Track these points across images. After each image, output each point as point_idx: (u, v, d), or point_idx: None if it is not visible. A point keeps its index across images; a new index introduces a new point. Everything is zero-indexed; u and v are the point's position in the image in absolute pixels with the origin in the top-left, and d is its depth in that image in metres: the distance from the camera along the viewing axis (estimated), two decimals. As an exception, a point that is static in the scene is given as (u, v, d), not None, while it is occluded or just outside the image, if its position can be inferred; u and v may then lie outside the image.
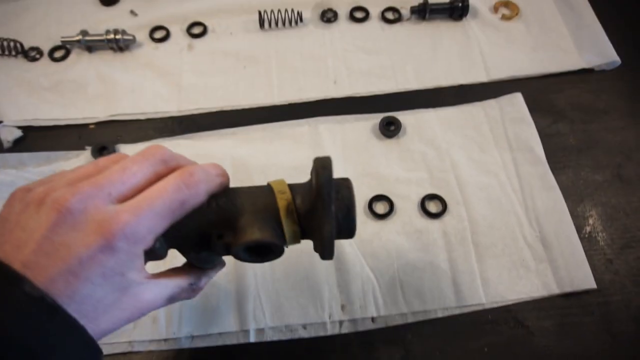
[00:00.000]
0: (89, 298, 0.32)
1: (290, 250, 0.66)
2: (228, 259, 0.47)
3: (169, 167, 0.38)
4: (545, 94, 0.79)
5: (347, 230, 0.42)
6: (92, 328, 0.32)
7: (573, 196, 0.69)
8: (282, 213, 0.40)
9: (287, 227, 0.40)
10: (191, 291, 0.42)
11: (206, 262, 0.45)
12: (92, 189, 0.34)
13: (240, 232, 0.39)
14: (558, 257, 0.65)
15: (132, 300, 0.36)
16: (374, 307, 0.62)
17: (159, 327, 0.61)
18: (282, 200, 0.40)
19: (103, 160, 0.38)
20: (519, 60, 0.82)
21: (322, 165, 0.38)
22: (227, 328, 0.61)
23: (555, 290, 0.63)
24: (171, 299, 0.40)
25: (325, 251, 0.40)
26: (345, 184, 0.41)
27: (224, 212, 0.40)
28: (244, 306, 0.62)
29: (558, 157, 0.72)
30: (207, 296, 0.63)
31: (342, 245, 0.66)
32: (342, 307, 0.63)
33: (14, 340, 0.28)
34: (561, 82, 0.80)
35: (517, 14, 0.88)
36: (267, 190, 0.41)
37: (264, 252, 0.41)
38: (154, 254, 0.38)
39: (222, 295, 0.63)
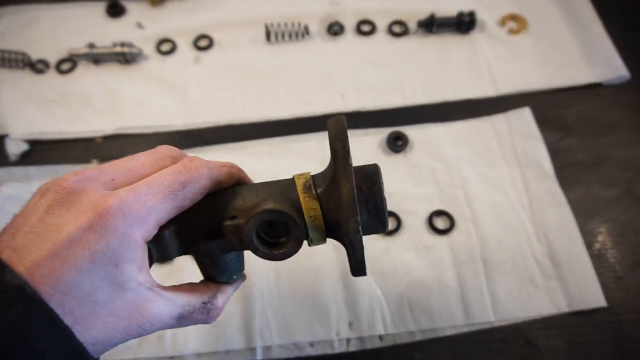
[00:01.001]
0: (74, 289, 0.28)
1: (296, 267, 0.66)
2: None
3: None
4: (553, 109, 0.78)
5: (376, 212, 0.36)
6: (79, 330, 0.29)
7: (582, 212, 0.68)
8: (299, 188, 0.36)
9: (305, 204, 0.35)
10: (206, 311, 0.37)
11: (222, 270, 0.39)
12: (95, 172, 0.32)
13: (253, 209, 0.35)
14: (567, 274, 0.64)
15: (131, 307, 0.31)
16: (382, 325, 0.62)
17: (165, 344, 0.61)
18: (300, 178, 0.36)
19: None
20: (527, 74, 0.82)
21: (335, 120, 0.36)
22: (233, 346, 0.61)
23: (565, 308, 0.62)
24: (182, 319, 0.35)
25: (352, 239, 0.34)
26: (372, 165, 0.38)
27: (237, 194, 0.37)
28: (251, 323, 0.62)
29: (567, 173, 0.72)
30: (214, 313, 0.62)
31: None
32: (350, 325, 0.62)
33: None
34: (570, 96, 0.80)
35: (524, 28, 0.87)
36: (286, 179, 0.38)
37: (280, 235, 0.36)
38: (162, 248, 0.35)
39: (229, 312, 0.63)
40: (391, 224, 0.69)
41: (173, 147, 0.37)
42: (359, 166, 0.37)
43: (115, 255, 0.29)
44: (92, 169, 0.33)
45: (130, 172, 0.34)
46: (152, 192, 0.32)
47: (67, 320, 0.28)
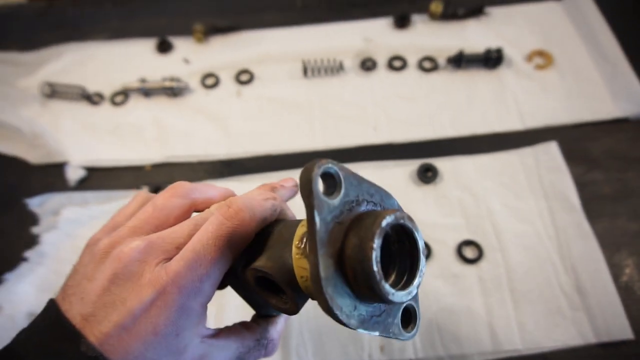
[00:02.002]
0: (140, 358, 0.30)
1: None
2: None
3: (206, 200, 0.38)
4: (580, 142, 0.81)
5: (365, 282, 0.28)
6: None
7: (609, 245, 0.70)
8: (295, 242, 0.33)
9: (295, 262, 0.32)
10: (263, 347, 0.38)
11: (264, 304, 0.39)
12: (150, 243, 0.33)
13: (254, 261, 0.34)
14: (594, 306, 0.66)
15: None
16: (412, 350, 0.65)
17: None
18: (302, 227, 0.33)
19: (160, 199, 0.37)
20: (554, 108, 0.85)
21: (304, 171, 0.29)
22: (271, 364, 0.65)
23: (592, 339, 0.64)
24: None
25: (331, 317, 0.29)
26: (374, 214, 0.30)
27: (257, 241, 0.36)
28: (287, 342, 0.66)
29: (593, 206, 0.74)
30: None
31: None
32: (381, 348, 0.65)
33: None
34: (596, 130, 0.82)
35: (551, 64, 0.91)
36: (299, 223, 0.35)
37: (277, 291, 0.35)
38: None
39: (267, 332, 0.67)
40: (421, 252, 0.72)
41: (185, 184, 0.38)
42: (362, 213, 0.31)
43: (176, 327, 0.31)
44: (147, 241, 0.33)
45: (176, 237, 0.34)
46: (200, 258, 0.32)
47: None
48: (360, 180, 0.32)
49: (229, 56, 0.98)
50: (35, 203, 0.80)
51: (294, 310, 0.35)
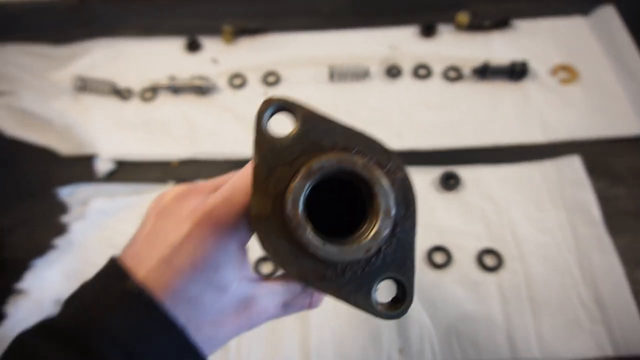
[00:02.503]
0: (181, 293, 0.31)
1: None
2: None
3: None
4: (603, 157, 0.81)
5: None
6: (190, 331, 0.31)
7: (630, 260, 0.71)
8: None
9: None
10: (308, 295, 0.37)
11: None
12: (194, 185, 0.35)
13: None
14: (613, 319, 0.66)
15: (236, 306, 0.33)
16: (430, 353, 0.66)
17: (230, 355, 0.67)
18: None
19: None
20: (577, 123, 0.86)
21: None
22: (292, 358, 0.66)
23: (609, 352, 0.65)
24: (287, 307, 0.36)
25: None
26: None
27: None
28: (308, 341, 0.67)
29: (615, 221, 0.75)
30: (274, 330, 0.68)
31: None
32: (400, 351, 0.66)
33: (109, 333, 0.29)
34: (619, 146, 0.83)
35: (575, 78, 0.92)
36: None
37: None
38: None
39: (288, 329, 0.68)
40: (442, 258, 0.73)
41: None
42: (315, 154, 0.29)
43: (213, 260, 0.31)
44: (193, 184, 0.36)
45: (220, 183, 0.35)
46: (236, 192, 0.31)
47: (180, 322, 0.31)
48: (333, 124, 0.30)
49: (257, 58, 1.00)
50: (65, 193, 0.82)
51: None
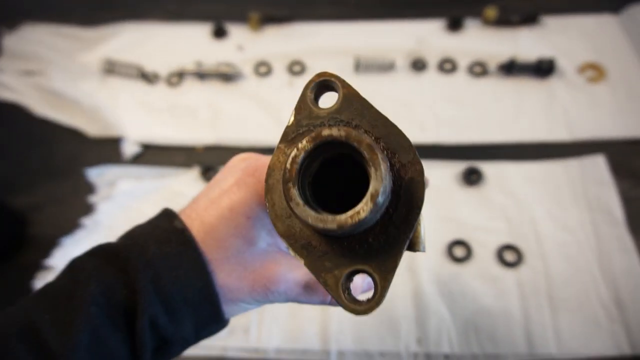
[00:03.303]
0: (213, 231, 0.34)
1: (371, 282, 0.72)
2: None
3: None
4: (628, 158, 0.81)
5: None
6: (214, 271, 0.34)
7: (651, 262, 0.71)
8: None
9: None
10: None
11: None
12: (252, 153, 0.39)
13: None
14: (632, 319, 0.67)
15: (258, 263, 0.35)
16: (448, 345, 0.67)
17: (250, 337, 0.68)
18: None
19: None
20: (603, 122, 0.85)
21: None
22: (310, 346, 0.67)
23: (627, 351, 0.65)
24: (308, 289, 0.36)
25: None
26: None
27: None
28: (328, 328, 0.68)
29: (638, 221, 0.74)
30: (295, 315, 0.69)
31: (421, 283, 0.71)
32: (418, 341, 0.67)
33: (146, 257, 0.33)
34: (645, 147, 0.82)
35: (603, 77, 0.91)
36: None
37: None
38: None
39: (308, 315, 0.69)
40: (462, 252, 0.74)
41: None
42: None
43: (248, 208, 0.35)
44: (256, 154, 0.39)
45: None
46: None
47: (210, 268, 0.34)
48: (368, 108, 0.31)
49: (282, 46, 1.00)
50: (93, 174, 0.84)
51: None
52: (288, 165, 0.27)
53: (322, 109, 0.31)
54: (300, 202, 0.27)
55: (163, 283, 0.33)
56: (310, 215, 0.27)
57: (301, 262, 0.29)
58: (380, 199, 0.26)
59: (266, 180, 0.31)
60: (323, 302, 0.37)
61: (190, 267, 0.34)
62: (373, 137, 0.31)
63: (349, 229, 0.26)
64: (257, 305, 0.36)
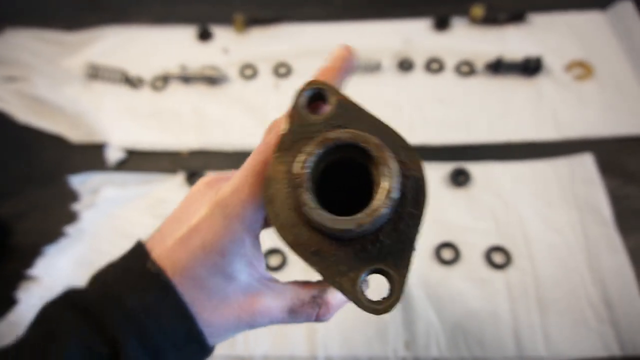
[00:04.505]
0: (191, 273, 0.32)
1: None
2: None
3: None
4: (616, 156, 0.81)
5: None
6: (197, 313, 0.32)
7: (640, 261, 0.71)
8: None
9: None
10: (316, 306, 0.36)
11: None
12: (219, 173, 0.36)
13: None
14: (621, 320, 0.66)
15: (240, 297, 0.33)
16: (436, 348, 0.66)
17: (237, 344, 0.67)
18: None
19: None
20: (591, 120, 0.85)
21: None
22: (298, 352, 0.67)
23: (617, 352, 0.64)
24: (292, 312, 0.35)
25: None
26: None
27: None
28: (315, 332, 0.68)
29: (627, 220, 0.74)
30: (282, 321, 0.68)
31: (410, 287, 0.70)
32: (406, 345, 0.66)
33: (125, 309, 0.31)
34: (633, 145, 0.82)
35: (590, 75, 0.90)
36: None
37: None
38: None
39: (295, 322, 0.68)
40: (450, 254, 0.73)
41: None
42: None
43: (221, 246, 0.32)
44: (226, 172, 0.37)
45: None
46: (243, 182, 0.32)
47: (188, 301, 0.32)
48: (362, 112, 0.32)
49: (268, 48, 0.99)
50: (77, 181, 0.82)
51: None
52: (298, 170, 0.27)
53: (316, 116, 0.31)
54: (315, 205, 0.27)
55: (149, 335, 0.31)
56: (327, 218, 0.27)
57: (314, 269, 0.29)
58: (395, 194, 0.27)
59: (264, 196, 0.30)
60: (308, 320, 0.36)
61: (173, 314, 0.32)
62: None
63: (366, 228, 0.27)
64: (242, 331, 0.36)
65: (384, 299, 0.29)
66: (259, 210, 0.32)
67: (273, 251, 0.74)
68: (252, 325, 0.34)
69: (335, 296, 0.36)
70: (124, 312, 0.31)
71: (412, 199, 0.30)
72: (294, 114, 0.31)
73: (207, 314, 0.33)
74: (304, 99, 0.31)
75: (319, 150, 0.28)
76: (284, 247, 0.74)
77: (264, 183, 0.30)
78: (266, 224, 0.35)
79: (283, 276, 0.73)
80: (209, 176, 0.36)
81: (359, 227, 0.27)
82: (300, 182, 0.27)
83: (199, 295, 0.32)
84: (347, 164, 0.30)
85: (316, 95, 0.32)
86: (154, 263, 0.32)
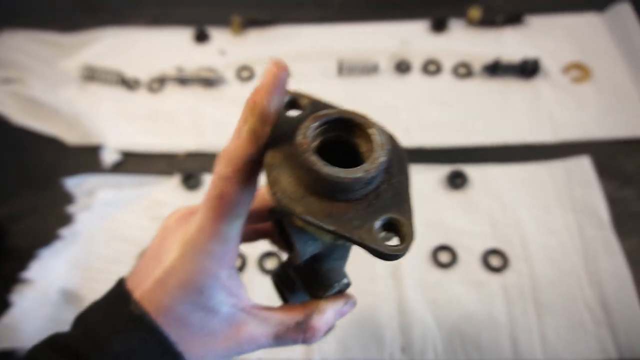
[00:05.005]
0: (173, 313, 0.32)
1: (356, 289, 0.71)
2: None
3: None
4: (613, 159, 0.80)
5: None
6: (183, 348, 0.33)
7: (637, 263, 0.70)
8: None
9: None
10: (302, 332, 0.36)
11: (311, 282, 0.38)
12: (192, 206, 0.37)
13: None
14: (618, 323, 0.66)
15: (225, 329, 0.34)
16: (433, 353, 0.66)
17: (232, 348, 0.67)
18: None
19: None
20: (588, 122, 0.85)
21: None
22: (293, 356, 0.66)
23: (614, 355, 0.64)
24: (278, 339, 0.36)
25: None
26: None
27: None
28: (310, 338, 0.67)
29: (624, 223, 0.74)
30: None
31: (406, 290, 0.70)
32: (402, 349, 0.66)
33: (111, 356, 0.31)
34: (631, 147, 0.82)
35: (588, 77, 0.90)
36: None
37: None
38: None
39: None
40: (447, 257, 0.73)
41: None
42: None
43: (197, 283, 0.32)
44: (192, 208, 0.36)
45: None
46: (205, 220, 0.32)
47: (173, 340, 0.32)
48: (334, 108, 0.34)
49: (265, 50, 0.99)
50: (72, 183, 0.82)
51: (291, 252, 0.35)
52: (301, 140, 0.30)
53: (294, 116, 0.34)
54: (324, 163, 0.29)
55: None
56: (339, 170, 0.29)
57: (331, 230, 0.30)
58: (388, 146, 0.31)
59: (268, 180, 0.31)
60: (295, 344, 0.37)
61: (160, 354, 0.32)
62: None
63: (373, 174, 0.30)
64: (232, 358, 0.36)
65: (399, 243, 0.31)
66: (226, 243, 0.33)
67: (267, 254, 0.74)
68: (240, 352, 0.35)
69: (322, 320, 0.37)
70: (111, 356, 0.31)
71: (397, 160, 0.33)
72: (275, 119, 0.33)
73: (195, 348, 0.33)
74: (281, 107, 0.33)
75: (313, 124, 0.31)
76: (243, 250, 0.74)
77: (265, 171, 0.31)
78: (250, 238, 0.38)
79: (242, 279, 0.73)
80: (179, 211, 0.37)
81: (367, 173, 0.29)
82: (305, 149, 0.30)
83: (184, 333, 0.33)
84: (338, 148, 0.32)
85: (289, 104, 0.35)
86: (137, 305, 0.32)
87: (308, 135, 0.30)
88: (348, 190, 0.30)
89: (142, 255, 0.36)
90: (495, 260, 0.72)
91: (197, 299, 0.33)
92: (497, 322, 0.67)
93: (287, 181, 0.31)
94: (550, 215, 0.75)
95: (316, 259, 0.38)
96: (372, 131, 0.31)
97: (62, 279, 0.73)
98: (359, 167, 0.30)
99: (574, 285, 0.69)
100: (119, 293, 0.34)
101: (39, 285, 0.72)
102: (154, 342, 0.32)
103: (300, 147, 0.30)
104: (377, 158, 0.30)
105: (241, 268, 0.73)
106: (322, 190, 0.30)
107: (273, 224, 0.38)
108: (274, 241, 0.42)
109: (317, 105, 0.34)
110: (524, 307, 0.68)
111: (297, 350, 0.67)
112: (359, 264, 0.73)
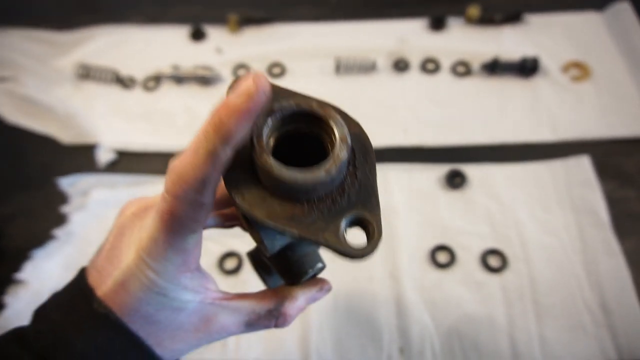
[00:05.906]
0: (139, 312, 0.32)
1: (354, 289, 0.70)
2: None
3: None
4: (613, 158, 0.80)
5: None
6: (153, 344, 0.32)
7: (637, 264, 0.70)
8: None
9: None
10: (273, 318, 0.36)
11: (286, 268, 0.38)
12: (147, 200, 0.36)
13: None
14: (618, 324, 0.65)
15: (195, 322, 0.34)
16: (431, 354, 0.65)
17: (228, 349, 0.66)
18: None
19: None
20: (588, 122, 0.84)
21: None
22: (290, 357, 0.65)
23: (613, 356, 0.64)
24: (250, 326, 0.36)
25: None
26: None
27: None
28: (308, 339, 0.66)
29: (624, 223, 0.73)
30: (274, 326, 0.67)
31: (404, 291, 0.69)
32: (400, 351, 0.65)
33: (77, 355, 0.30)
34: (630, 147, 0.81)
35: (587, 76, 0.89)
36: None
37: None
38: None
39: (288, 327, 0.67)
40: (446, 258, 0.72)
41: None
42: None
43: (159, 287, 0.31)
44: (153, 198, 0.35)
45: None
46: (157, 226, 0.30)
47: (149, 342, 0.32)
48: (294, 94, 0.33)
49: (262, 48, 0.98)
50: (66, 183, 0.81)
51: (260, 244, 0.35)
52: (254, 143, 0.28)
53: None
54: (283, 166, 0.28)
55: None
56: (297, 174, 0.28)
57: (294, 234, 0.29)
58: (348, 140, 0.29)
59: (227, 187, 0.30)
60: (267, 328, 0.37)
61: (129, 350, 0.32)
62: None
63: (334, 175, 0.28)
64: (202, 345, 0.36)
65: (367, 243, 0.29)
66: (183, 253, 0.31)
67: (229, 254, 0.74)
68: (210, 341, 0.35)
69: (294, 306, 0.37)
70: (77, 356, 0.30)
71: (361, 151, 0.32)
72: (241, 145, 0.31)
73: (165, 342, 0.33)
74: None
75: (268, 120, 0.29)
76: (240, 250, 0.74)
77: (223, 177, 0.30)
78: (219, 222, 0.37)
79: (239, 279, 0.72)
80: (133, 204, 0.35)
81: (327, 174, 0.28)
82: (261, 150, 0.28)
83: (152, 329, 0.32)
84: (298, 140, 0.31)
85: None
86: (100, 303, 0.32)
87: (263, 133, 0.28)
88: (309, 191, 0.29)
89: (100, 249, 0.34)
90: (494, 261, 0.71)
91: (161, 300, 0.32)
92: (496, 323, 0.67)
93: (247, 184, 0.30)
94: (549, 215, 0.75)
95: (288, 247, 0.37)
96: (331, 123, 0.29)
97: (56, 280, 0.72)
98: (318, 167, 0.28)
99: (574, 285, 0.69)
100: (82, 288, 0.33)
101: (32, 286, 0.71)
102: (120, 340, 0.31)
103: (255, 147, 0.28)
104: (338, 155, 0.28)
105: (237, 268, 0.72)
106: (282, 193, 0.29)
107: (240, 215, 0.37)
108: (244, 228, 0.39)
109: (277, 93, 0.31)
110: (523, 308, 0.68)
111: (294, 351, 0.66)
112: (358, 265, 0.73)
